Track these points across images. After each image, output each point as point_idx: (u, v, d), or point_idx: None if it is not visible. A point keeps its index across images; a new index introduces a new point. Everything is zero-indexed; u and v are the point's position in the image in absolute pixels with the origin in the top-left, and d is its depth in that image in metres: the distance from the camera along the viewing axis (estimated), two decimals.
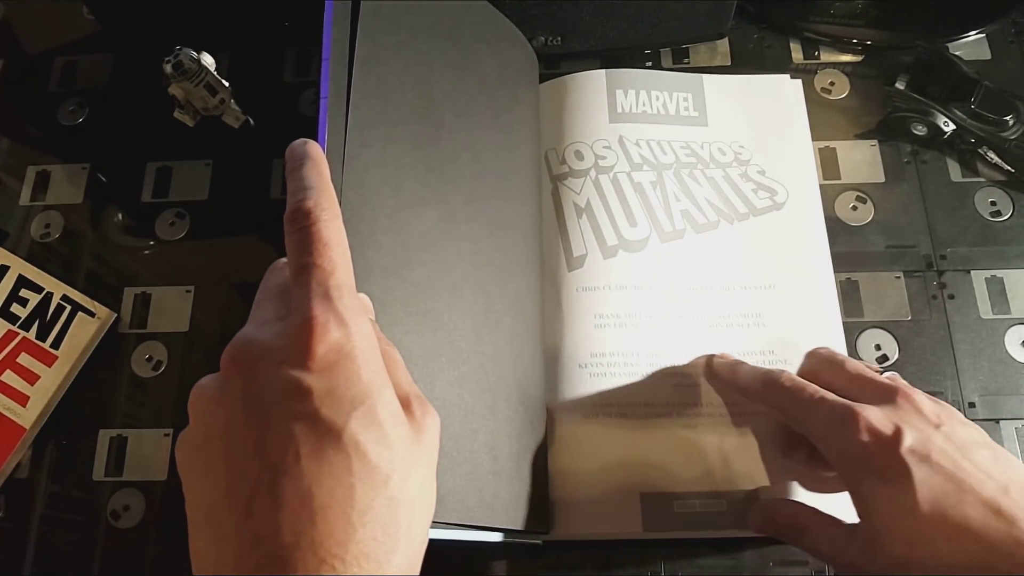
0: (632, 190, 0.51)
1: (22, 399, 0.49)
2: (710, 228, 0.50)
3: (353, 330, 0.26)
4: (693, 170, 0.51)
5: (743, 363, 0.44)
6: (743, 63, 0.58)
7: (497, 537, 0.41)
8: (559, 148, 0.52)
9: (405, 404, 0.27)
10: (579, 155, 0.52)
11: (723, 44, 0.59)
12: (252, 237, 0.55)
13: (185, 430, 0.28)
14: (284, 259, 0.31)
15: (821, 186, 0.53)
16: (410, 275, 0.39)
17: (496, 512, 0.40)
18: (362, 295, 0.30)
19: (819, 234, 0.50)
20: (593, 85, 0.54)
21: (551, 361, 0.47)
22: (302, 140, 0.32)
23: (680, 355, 0.46)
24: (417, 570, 0.27)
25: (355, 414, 0.25)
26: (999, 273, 0.51)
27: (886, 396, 0.36)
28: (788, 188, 0.51)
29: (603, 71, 0.54)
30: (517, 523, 0.41)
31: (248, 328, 0.28)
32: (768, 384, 0.40)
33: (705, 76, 0.55)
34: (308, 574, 0.23)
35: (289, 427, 0.25)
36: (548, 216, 0.51)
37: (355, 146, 0.37)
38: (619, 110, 0.53)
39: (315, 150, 0.31)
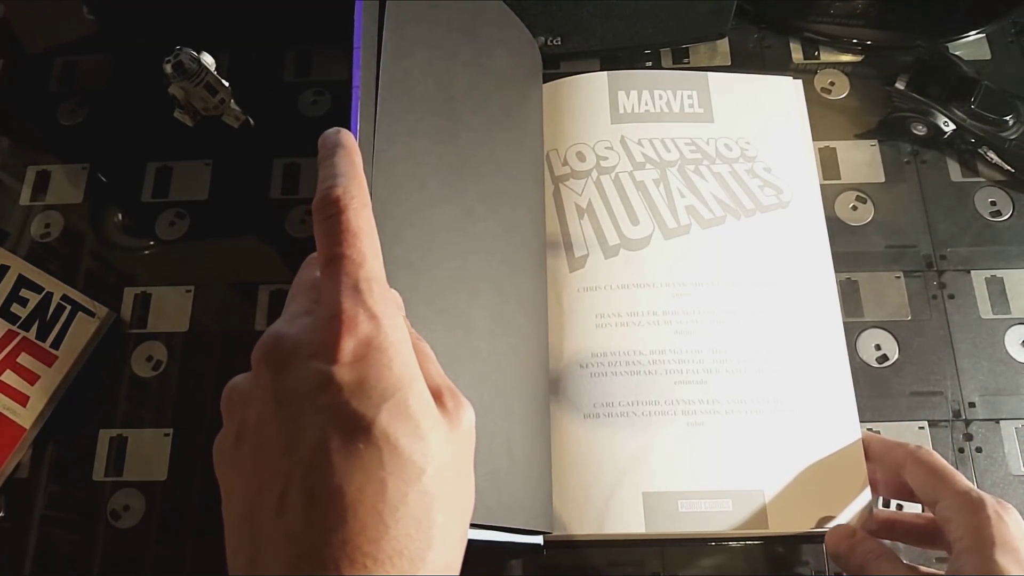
0: (634, 189, 0.51)
1: (22, 399, 0.49)
2: (716, 223, 0.50)
3: (384, 323, 0.25)
4: (699, 166, 0.51)
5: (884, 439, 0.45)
6: (743, 63, 0.58)
7: (500, 536, 0.41)
8: (560, 149, 0.52)
9: (437, 396, 0.27)
10: (581, 156, 0.52)
11: (723, 44, 0.59)
12: (252, 237, 0.55)
13: (220, 432, 0.28)
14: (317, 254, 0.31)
15: (821, 186, 0.53)
16: (433, 272, 0.39)
17: (513, 512, 0.40)
18: (393, 291, 0.30)
19: (821, 235, 0.50)
20: (595, 87, 0.54)
21: (553, 361, 0.47)
22: (335, 128, 0.31)
23: (683, 352, 0.46)
24: (456, 569, 0.26)
25: (385, 406, 0.24)
26: (999, 273, 0.51)
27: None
28: (792, 188, 0.51)
29: (605, 73, 0.54)
30: (528, 523, 0.41)
31: (278, 323, 0.27)
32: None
33: (710, 74, 0.55)
34: (340, 574, 0.23)
35: (318, 422, 0.24)
36: (550, 217, 0.51)
37: (383, 140, 0.37)
38: (621, 111, 0.53)
39: (347, 138, 0.30)
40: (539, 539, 0.43)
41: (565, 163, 0.52)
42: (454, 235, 0.41)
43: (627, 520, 0.43)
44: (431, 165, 0.41)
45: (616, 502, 0.43)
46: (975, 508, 0.36)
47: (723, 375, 0.46)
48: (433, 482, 0.25)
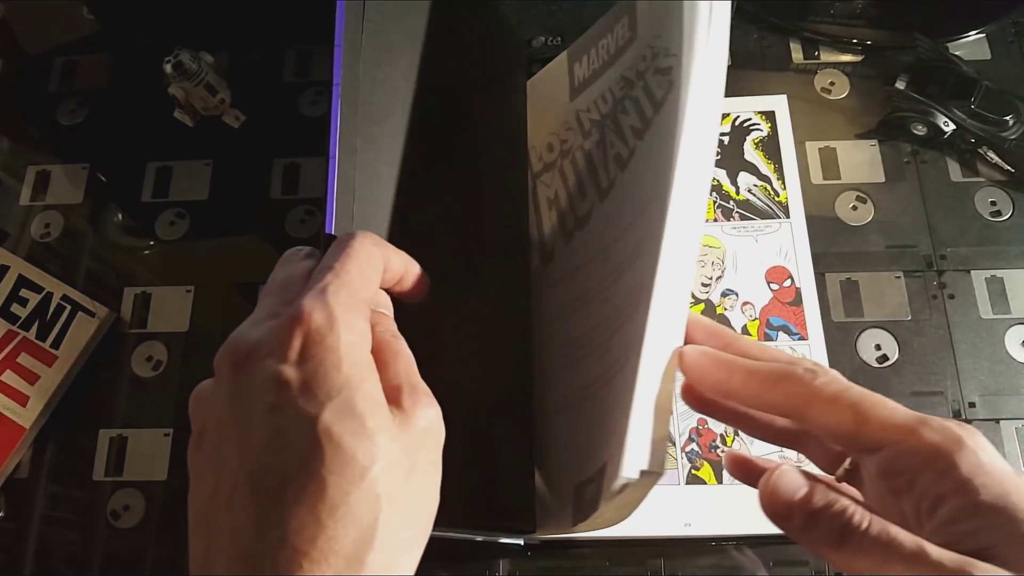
0: (583, 161, 0.47)
1: (22, 399, 0.49)
2: (629, 157, 0.41)
3: (338, 323, 0.26)
4: (624, 102, 0.43)
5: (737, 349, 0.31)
6: (743, 63, 0.58)
7: (483, 535, 0.40)
8: (537, 145, 0.52)
9: (394, 394, 0.27)
10: (550, 147, 0.50)
11: None
12: (252, 237, 0.55)
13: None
14: (295, 248, 0.31)
15: (821, 186, 0.53)
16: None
17: (494, 512, 0.40)
18: (382, 292, 0.31)
19: (712, 106, 0.35)
20: (557, 70, 0.51)
21: (536, 361, 0.46)
22: None
23: (598, 326, 0.39)
24: (404, 570, 0.26)
25: (330, 405, 0.24)
26: (999, 273, 0.51)
27: None
28: (679, 53, 0.37)
29: (565, 51, 0.50)
30: (511, 523, 0.41)
31: (241, 327, 0.28)
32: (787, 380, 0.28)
33: None
34: (276, 572, 0.23)
35: (267, 420, 0.25)
36: (530, 216, 0.50)
37: (365, 141, 0.37)
38: (576, 84, 0.49)
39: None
40: (520, 540, 0.43)
41: (540, 158, 0.51)
42: (440, 235, 0.41)
43: (560, 519, 0.38)
44: (415, 166, 0.41)
45: (557, 500, 0.40)
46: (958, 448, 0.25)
47: (619, 335, 0.37)
48: (379, 482, 0.24)
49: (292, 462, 0.24)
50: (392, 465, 0.25)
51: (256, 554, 0.23)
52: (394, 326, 0.30)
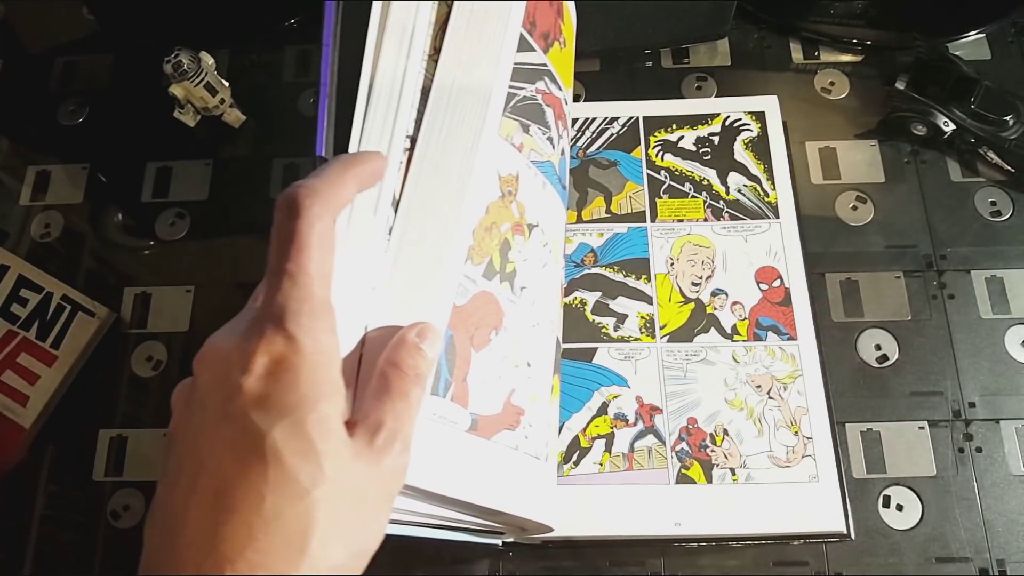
0: None
1: (22, 399, 0.49)
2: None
3: (300, 344, 0.26)
4: None
5: None
6: (743, 63, 0.58)
7: (458, 536, 0.40)
8: None
9: (372, 428, 0.27)
10: None
11: (723, 44, 0.59)
12: (252, 237, 0.55)
13: None
14: None
15: (821, 186, 0.53)
16: None
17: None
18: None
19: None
20: None
21: None
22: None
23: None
24: None
25: (281, 423, 0.25)
26: (999, 273, 0.51)
27: None
28: None
29: None
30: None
31: (219, 331, 0.28)
32: None
33: None
34: (199, 574, 0.23)
35: (220, 429, 0.25)
36: None
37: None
38: None
39: (363, 154, 0.31)
40: (497, 540, 0.43)
41: None
42: None
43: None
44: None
45: None
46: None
47: None
48: (318, 505, 0.25)
49: (235, 472, 0.25)
50: (337, 492, 0.25)
51: (183, 556, 0.24)
52: (424, 365, 0.29)
